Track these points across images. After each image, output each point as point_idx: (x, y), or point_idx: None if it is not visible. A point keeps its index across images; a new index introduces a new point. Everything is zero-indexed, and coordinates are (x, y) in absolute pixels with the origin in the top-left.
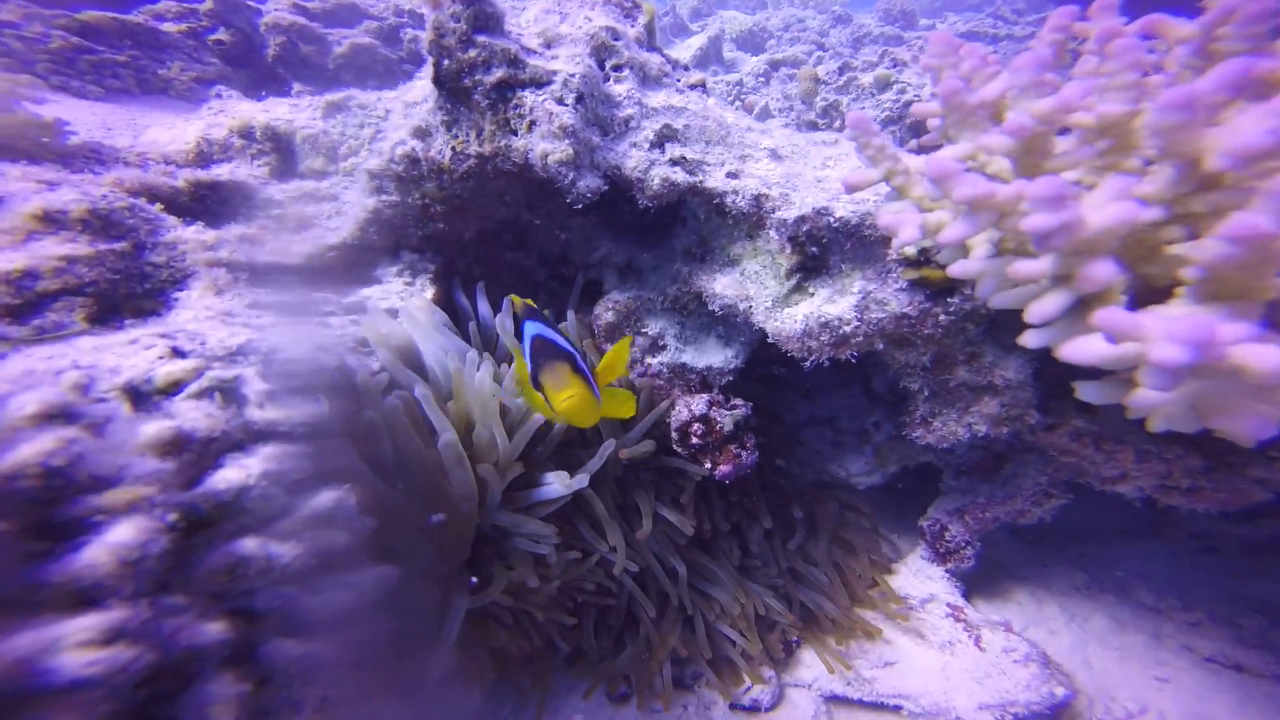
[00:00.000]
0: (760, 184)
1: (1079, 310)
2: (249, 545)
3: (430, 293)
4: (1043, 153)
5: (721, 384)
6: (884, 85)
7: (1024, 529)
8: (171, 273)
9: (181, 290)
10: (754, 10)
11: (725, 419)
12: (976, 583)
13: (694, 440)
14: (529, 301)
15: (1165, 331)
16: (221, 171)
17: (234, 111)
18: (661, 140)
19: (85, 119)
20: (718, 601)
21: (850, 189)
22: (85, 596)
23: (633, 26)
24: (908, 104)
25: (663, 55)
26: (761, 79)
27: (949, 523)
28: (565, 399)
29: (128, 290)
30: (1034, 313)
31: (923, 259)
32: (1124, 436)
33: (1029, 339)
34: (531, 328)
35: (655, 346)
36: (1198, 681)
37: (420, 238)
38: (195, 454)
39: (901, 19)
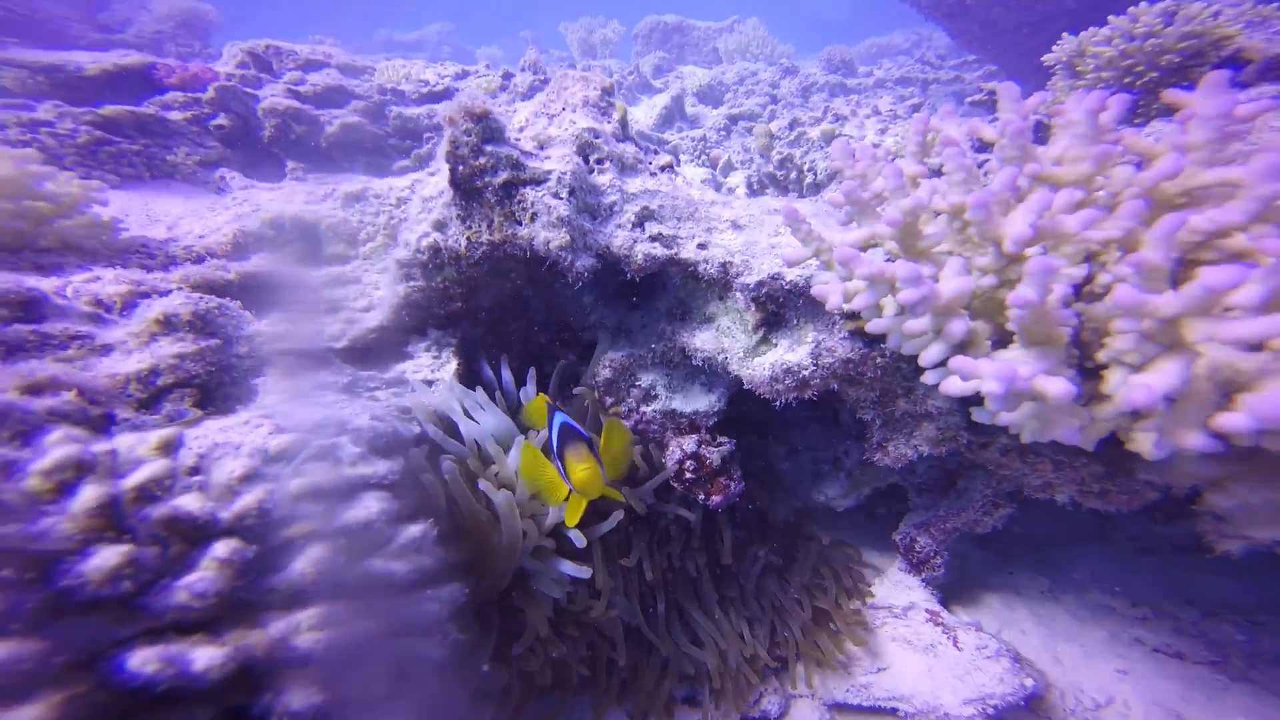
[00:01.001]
0: (725, 253)
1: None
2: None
3: (453, 365)
4: (915, 234)
5: (708, 425)
6: (829, 138)
7: (990, 540)
8: (253, 362)
9: (260, 377)
10: (710, 65)
11: (714, 455)
12: (952, 591)
13: (688, 475)
14: (547, 399)
15: (990, 371)
16: (262, 261)
17: (256, 202)
18: (641, 220)
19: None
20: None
21: (790, 263)
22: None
23: (609, 123)
24: None
25: (635, 144)
26: (722, 133)
27: (917, 535)
28: (582, 468)
29: (219, 380)
30: (924, 359)
31: (857, 313)
32: (1041, 449)
33: (926, 378)
34: (559, 417)
35: (648, 396)
36: (1150, 670)
37: (442, 316)
38: (322, 503)
39: (843, 67)
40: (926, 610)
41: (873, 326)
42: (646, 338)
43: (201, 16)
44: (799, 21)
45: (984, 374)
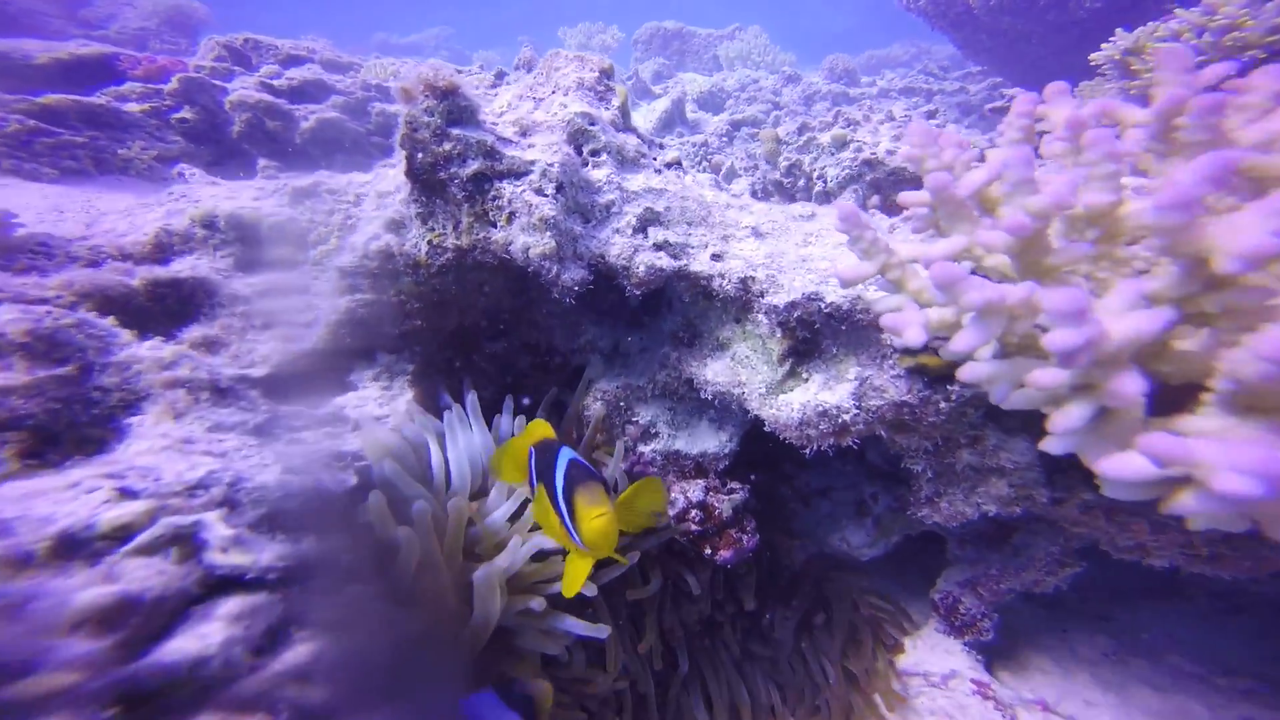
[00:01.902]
0: (746, 266)
1: (1103, 417)
2: None
3: (409, 396)
4: (1042, 249)
5: (718, 469)
6: (841, 144)
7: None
8: (124, 396)
9: (135, 415)
10: (710, 72)
11: (724, 504)
12: (994, 651)
13: (693, 527)
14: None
15: (1228, 461)
16: (182, 267)
17: (196, 197)
18: (644, 225)
19: (36, 203)
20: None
21: (846, 283)
22: None
23: (607, 109)
24: (866, 161)
25: (638, 135)
26: (724, 139)
27: (961, 595)
28: (596, 515)
29: (70, 419)
30: (1057, 424)
31: (919, 346)
32: (1137, 509)
33: (1052, 445)
34: (567, 453)
35: (647, 435)
36: None
37: (396, 336)
38: (143, 618)
39: (845, 76)
40: (973, 681)
41: (966, 374)
42: (646, 365)
43: (189, 15)
44: (796, 34)
45: (1217, 463)
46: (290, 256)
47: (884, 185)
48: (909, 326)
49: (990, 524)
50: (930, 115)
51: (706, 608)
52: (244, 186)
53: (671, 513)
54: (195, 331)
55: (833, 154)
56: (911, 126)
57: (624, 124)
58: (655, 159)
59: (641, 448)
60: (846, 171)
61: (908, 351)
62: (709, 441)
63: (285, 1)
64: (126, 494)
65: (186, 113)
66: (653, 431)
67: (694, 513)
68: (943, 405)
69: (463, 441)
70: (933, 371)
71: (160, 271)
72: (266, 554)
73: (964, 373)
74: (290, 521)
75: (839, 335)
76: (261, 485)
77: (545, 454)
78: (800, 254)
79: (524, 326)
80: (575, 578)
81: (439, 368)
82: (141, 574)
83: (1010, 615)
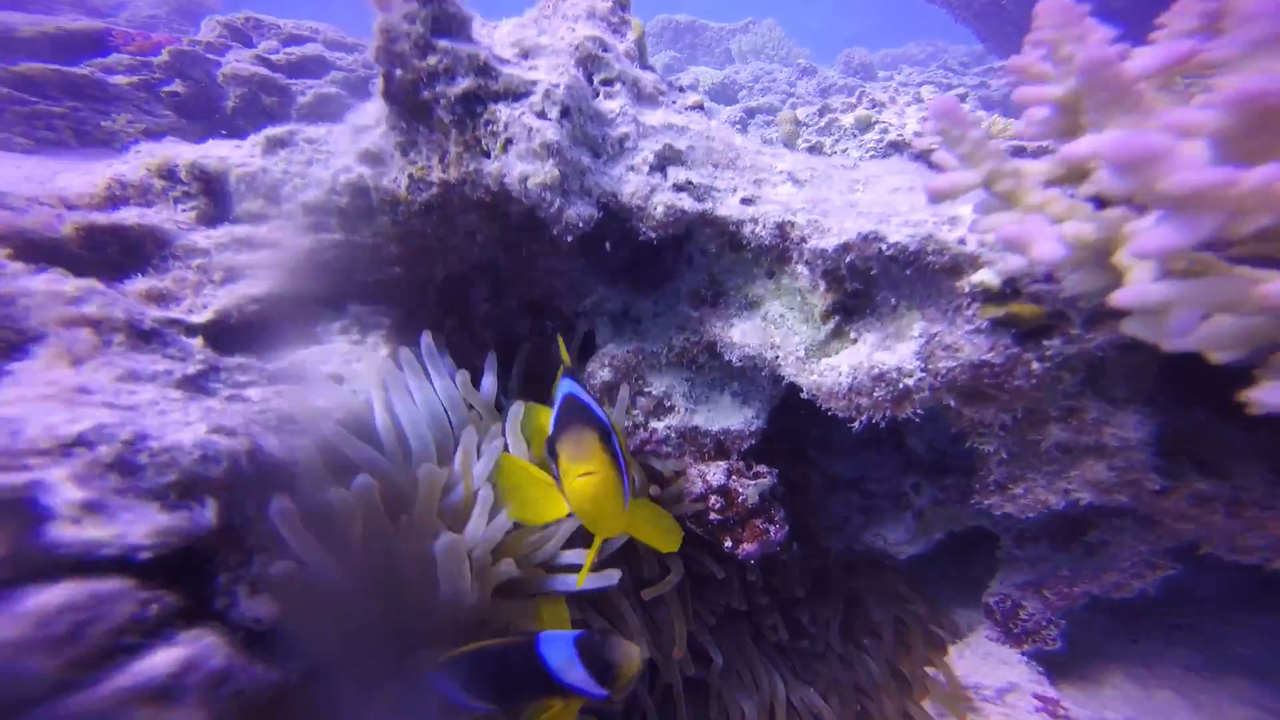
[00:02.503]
0: (783, 210)
1: None
2: None
3: (384, 353)
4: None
5: (742, 449)
6: (865, 125)
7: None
8: (6, 336)
9: (20, 360)
10: (723, 66)
11: (749, 490)
12: (1056, 663)
13: (712, 515)
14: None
15: None
16: (127, 215)
17: (155, 150)
18: (663, 163)
19: (9, 173)
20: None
21: (938, 196)
22: None
23: (621, 41)
24: (892, 144)
25: (657, 74)
26: (739, 125)
27: (1023, 599)
28: (581, 474)
29: None
30: None
31: (1009, 291)
32: (1272, 500)
33: (1266, 396)
34: (566, 386)
35: (661, 408)
36: None
37: (371, 285)
38: None
39: (861, 70)
40: (1036, 697)
41: (1132, 296)
42: (661, 329)
43: (200, 2)
44: (807, 36)
45: None
46: (261, 210)
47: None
48: (1041, 239)
49: (1058, 519)
50: (962, 99)
51: (737, 601)
52: (219, 144)
53: (686, 500)
54: (140, 283)
55: (856, 135)
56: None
57: (640, 60)
58: (676, 100)
59: (654, 424)
60: (870, 153)
61: (993, 299)
62: (732, 418)
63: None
64: None
65: (178, 86)
66: (667, 404)
67: (714, 499)
68: (1035, 366)
69: (419, 395)
70: (1026, 323)
71: (98, 217)
72: (139, 528)
73: (1128, 294)
74: (209, 492)
75: (900, 285)
76: (173, 446)
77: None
78: (847, 200)
79: (522, 285)
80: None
81: (424, 327)
82: None
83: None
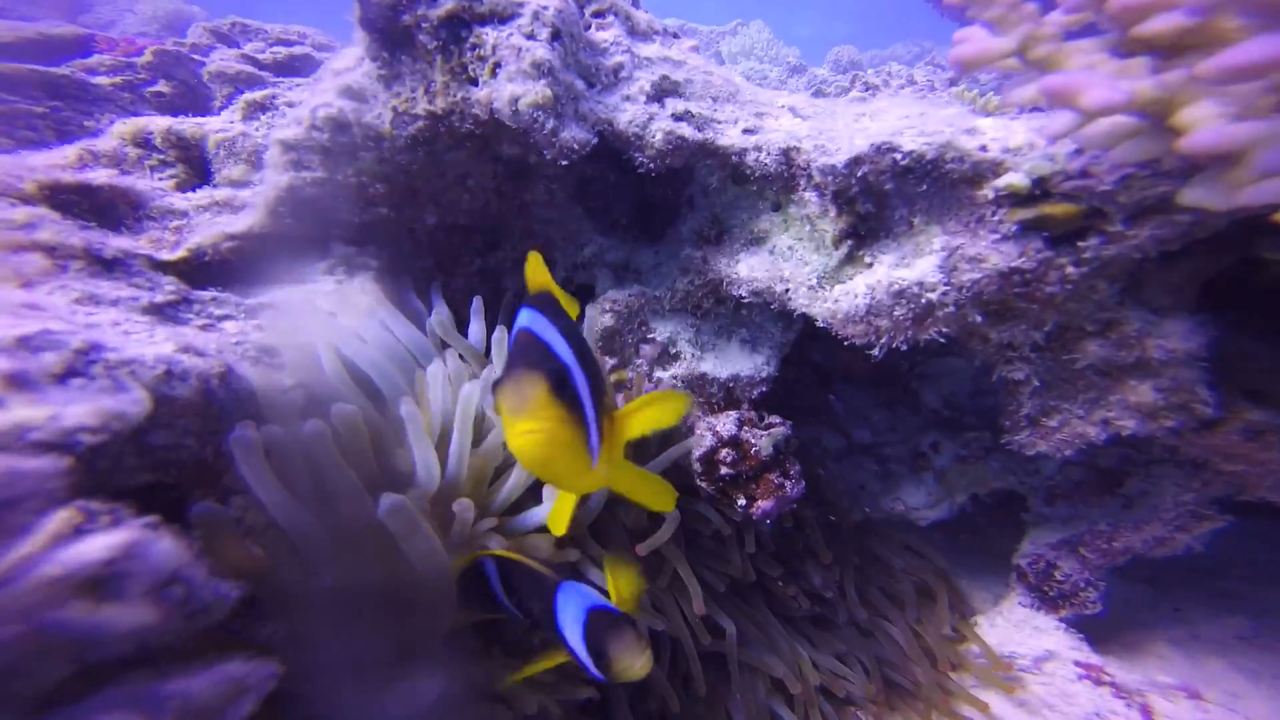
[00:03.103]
0: (788, 137)
1: None
2: None
3: (372, 292)
4: None
5: (753, 396)
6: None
7: (1125, 565)
8: None
9: None
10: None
11: (761, 441)
12: (1095, 632)
13: (723, 470)
14: (548, 285)
15: None
16: (97, 175)
17: (128, 120)
18: (660, 94)
19: None
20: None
21: (968, 64)
22: None
23: None
24: None
25: (650, 15)
26: None
27: (1058, 559)
28: (521, 433)
29: None
30: None
31: (1039, 192)
32: None
33: None
34: (524, 317)
35: (666, 356)
36: None
37: (358, 227)
38: None
39: (851, 68)
40: (1077, 663)
41: (1214, 137)
42: (663, 277)
43: (188, 19)
44: (796, 41)
45: None
46: (243, 176)
47: None
48: (1093, 85)
49: (1088, 472)
50: (953, 83)
51: (746, 570)
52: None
53: (697, 454)
54: (112, 242)
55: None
56: None
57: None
58: (671, 46)
59: (659, 373)
60: None
61: (1022, 201)
62: (742, 363)
63: (288, 11)
64: None
65: (163, 86)
66: (672, 351)
67: (725, 452)
68: (1070, 270)
69: (404, 333)
70: (1061, 224)
71: (64, 175)
72: (76, 409)
73: (1204, 136)
74: (176, 415)
75: (916, 200)
76: (134, 359)
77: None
78: (853, 129)
79: (517, 235)
80: (558, 514)
81: (414, 278)
82: None
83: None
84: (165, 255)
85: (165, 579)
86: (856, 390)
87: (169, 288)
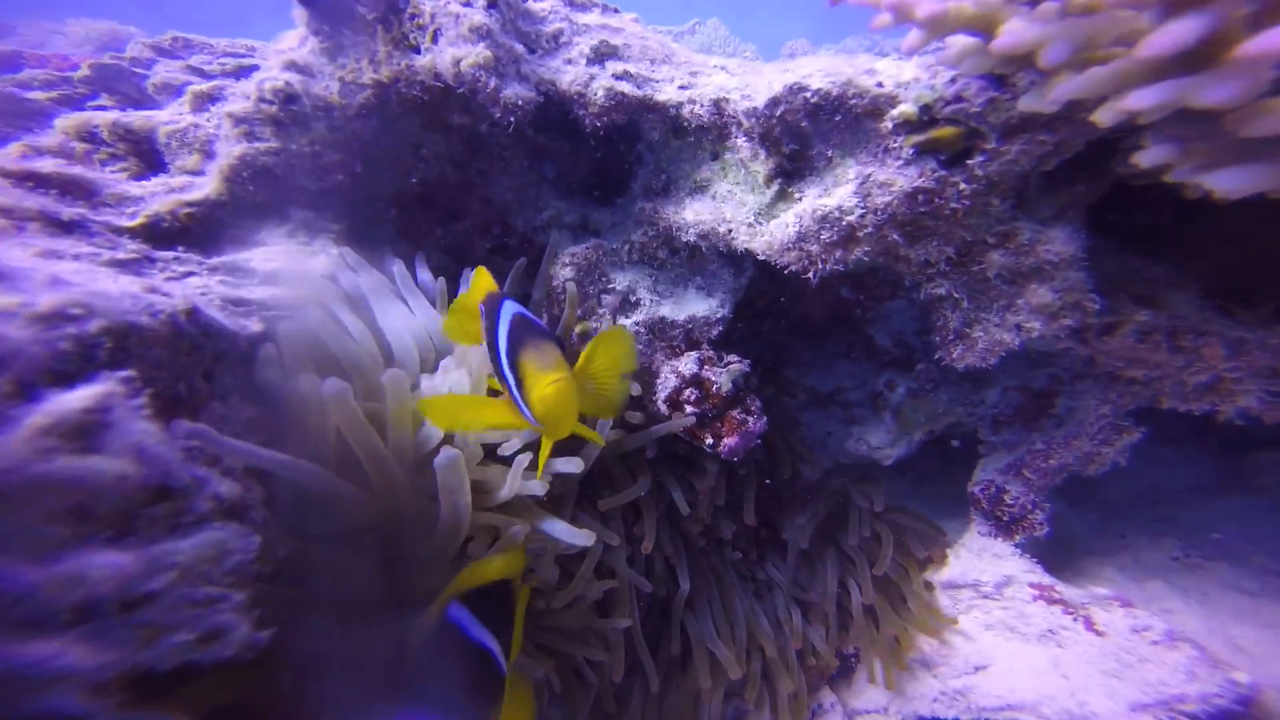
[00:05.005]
0: (718, 89)
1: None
2: None
3: (333, 252)
4: None
5: (711, 336)
6: None
7: (1081, 496)
8: None
9: None
10: None
11: (721, 378)
12: (1050, 559)
13: (688, 410)
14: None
15: None
16: (45, 164)
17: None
18: (600, 57)
19: None
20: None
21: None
22: None
23: None
24: None
25: None
26: None
27: (1006, 483)
28: (551, 382)
29: None
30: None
31: (926, 119)
32: (1204, 325)
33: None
34: (510, 308)
35: (626, 304)
36: None
37: (317, 194)
38: None
39: None
40: (1032, 585)
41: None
42: (620, 233)
43: (126, 39)
44: (749, 37)
45: None
46: (197, 166)
47: None
48: (923, 2)
49: (1024, 396)
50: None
51: (707, 516)
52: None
53: (662, 396)
54: (69, 208)
55: None
56: None
57: None
58: (610, 16)
59: (622, 319)
60: None
61: (915, 127)
62: (698, 306)
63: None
64: None
65: (105, 100)
66: (633, 300)
67: (688, 391)
68: (964, 187)
69: (397, 315)
70: (947, 145)
71: (9, 164)
72: (48, 297)
73: (1004, 40)
74: (146, 344)
75: (831, 135)
76: (99, 291)
77: (490, 311)
78: (775, 79)
79: (476, 204)
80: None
81: (374, 243)
82: None
83: (1059, 525)
84: (124, 223)
85: (142, 437)
86: (817, 342)
87: (130, 246)
